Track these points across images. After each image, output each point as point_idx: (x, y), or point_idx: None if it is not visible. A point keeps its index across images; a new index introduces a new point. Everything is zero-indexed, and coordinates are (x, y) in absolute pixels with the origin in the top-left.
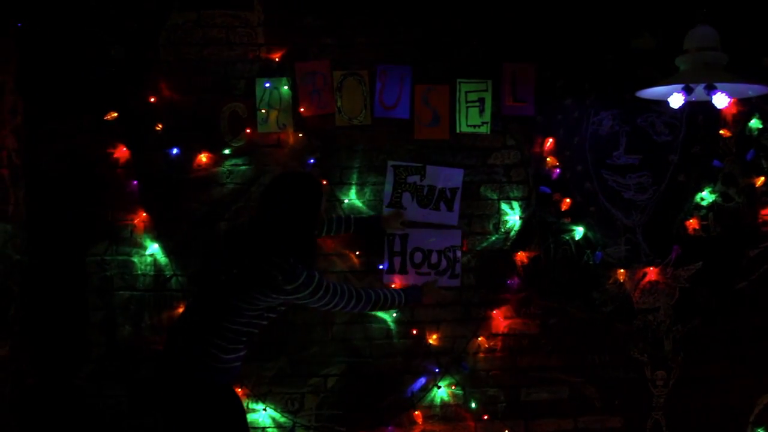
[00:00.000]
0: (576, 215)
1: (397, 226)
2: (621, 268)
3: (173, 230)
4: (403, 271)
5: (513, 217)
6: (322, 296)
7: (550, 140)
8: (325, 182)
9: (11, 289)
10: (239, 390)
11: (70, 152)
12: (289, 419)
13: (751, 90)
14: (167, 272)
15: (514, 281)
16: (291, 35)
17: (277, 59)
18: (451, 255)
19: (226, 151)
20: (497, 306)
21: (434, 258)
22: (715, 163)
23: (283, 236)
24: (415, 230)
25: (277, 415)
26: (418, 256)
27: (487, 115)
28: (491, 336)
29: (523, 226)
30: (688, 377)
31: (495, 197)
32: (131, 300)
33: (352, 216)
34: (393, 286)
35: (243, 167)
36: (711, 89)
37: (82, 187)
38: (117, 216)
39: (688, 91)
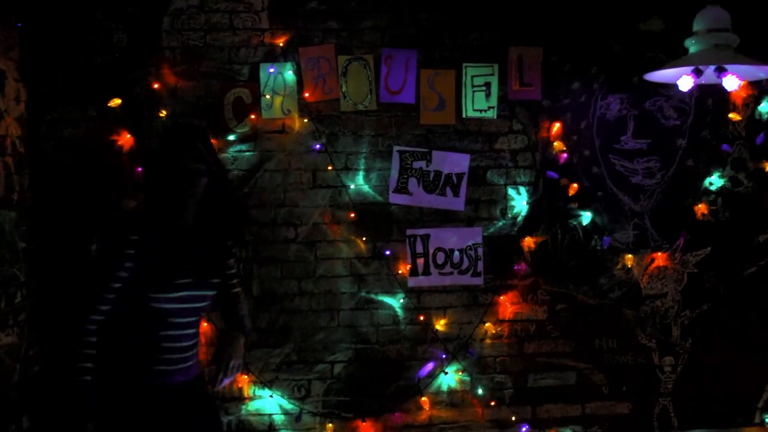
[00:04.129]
0: (583, 200)
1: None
2: (629, 254)
3: None
4: (426, 272)
5: (520, 202)
6: None
7: (557, 125)
8: (330, 168)
9: (17, 277)
10: (246, 377)
11: (74, 139)
12: (296, 406)
13: (762, 72)
14: None
15: (521, 267)
16: (295, 20)
17: (281, 44)
18: (472, 253)
19: (231, 137)
20: (504, 292)
21: (456, 257)
22: (724, 147)
23: None
24: (435, 230)
25: (284, 402)
26: (441, 257)
27: (494, 100)
28: (498, 322)
29: (530, 212)
30: (696, 363)
31: (502, 182)
32: None
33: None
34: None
35: (248, 153)
36: (721, 71)
37: (87, 174)
38: (122, 203)
39: (697, 73)
